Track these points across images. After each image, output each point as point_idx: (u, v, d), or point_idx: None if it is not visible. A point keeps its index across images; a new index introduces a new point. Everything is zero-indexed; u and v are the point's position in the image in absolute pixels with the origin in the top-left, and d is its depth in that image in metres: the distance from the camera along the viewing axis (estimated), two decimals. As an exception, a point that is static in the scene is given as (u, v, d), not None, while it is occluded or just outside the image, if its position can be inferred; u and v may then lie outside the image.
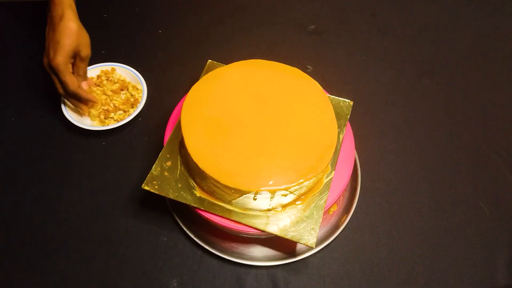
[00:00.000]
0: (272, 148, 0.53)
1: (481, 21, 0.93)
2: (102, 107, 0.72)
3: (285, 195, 0.53)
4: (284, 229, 0.53)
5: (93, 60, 0.77)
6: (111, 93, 0.74)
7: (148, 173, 0.56)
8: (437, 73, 0.84)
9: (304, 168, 0.52)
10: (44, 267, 0.60)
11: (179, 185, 0.55)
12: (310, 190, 0.56)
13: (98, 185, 0.67)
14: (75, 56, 0.65)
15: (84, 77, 0.69)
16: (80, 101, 0.69)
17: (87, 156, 0.70)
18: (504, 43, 0.90)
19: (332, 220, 0.64)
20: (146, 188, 0.55)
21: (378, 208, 0.67)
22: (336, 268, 0.62)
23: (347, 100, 0.65)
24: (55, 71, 0.63)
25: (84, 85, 0.69)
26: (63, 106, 0.70)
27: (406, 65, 0.85)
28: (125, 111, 0.73)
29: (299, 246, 0.62)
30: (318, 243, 0.61)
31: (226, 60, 0.65)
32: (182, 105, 0.58)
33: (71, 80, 0.64)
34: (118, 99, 0.74)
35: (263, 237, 0.62)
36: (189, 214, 0.62)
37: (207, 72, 0.66)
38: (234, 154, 0.53)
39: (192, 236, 0.61)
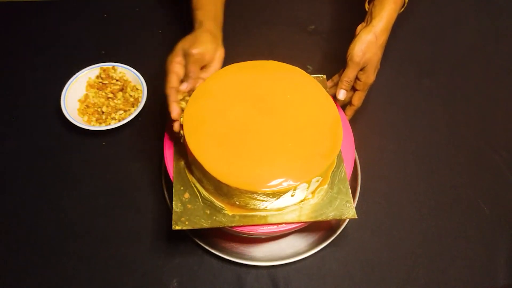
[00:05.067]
0: (290, 143, 0.53)
1: (481, 21, 0.93)
2: (97, 113, 0.72)
3: (318, 181, 0.53)
4: (323, 212, 0.54)
5: (93, 60, 0.77)
6: (112, 94, 0.74)
7: (172, 213, 0.53)
8: (437, 73, 0.84)
9: (326, 150, 0.53)
10: (44, 267, 0.60)
11: (208, 212, 0.54)
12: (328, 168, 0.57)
13: (98, 185, 0.67)
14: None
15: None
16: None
17: (87, 156, 0.70)
18: (504, 43, 0.89)
19: (332, 220, 0.64)
20: (177, 228, 0.52)
21: (378, 208, 0.67)
22: (336, 268, 0.62)
23: (320, 75, 0.67)
24: (187, 58, 0.59)
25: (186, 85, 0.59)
26: (63, 106, 0.70)
27: (406, 65, 0.85)
28: (125, 111, 0.73)
29: (301, 245, 0.62)
30: (318, 243, 0.62)
31: (226, 60, 0.64)
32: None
33: (168, 79, 0.57)
34: (118, 100, 0.74)
35: (265, 235, 0.62)
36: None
37: None
38: (257, 160, 0.52)
39: (192, 236, 0.61)
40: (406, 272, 0.61)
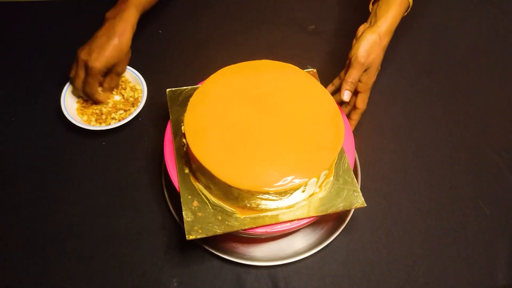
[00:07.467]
0: (294, 139, 0.53)
1: (481, 21, 0.93)
2: (97, 113, 0.72)
3: (325, 174, 0.54)
4: (332, 204, 0.54)
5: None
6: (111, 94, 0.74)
7: (184, 224, 0.52)
8: (437, 73, 0.84)
9: (331, 142, 0.53)
10: (44, 267, 0.60)
11: (220, 218, 0.53)
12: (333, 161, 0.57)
13: (98, 185, 0.67)
14: (111, 68, 0.70)
15: (111, 89, 0.73)
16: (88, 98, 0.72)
17: (87, 156, 0.70)
18: (504, 43, 0.89)
19: (332, 220, 0.64)
20: (191, 237, 0.51)
21: (378, 208, 0.67)
22: (336, 268, 0.62)
23: (311, 69, 0.67)
24: (87, 70, 0.67)
25: (103, 96, 0.72)
26: (63, 106, 0.70)
27: (406, 65, 0.85)
28: (125, 111, 0.73)
29: (301, 245, 0.62)
30: (318, 243, 0.62)
31: (226, 60, 0.65)
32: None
33: (94, 84, 0.69)
34: (117, 100, 0.74)
35: (278, 234, 0.62)
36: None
37: (171, 101, 0.63)
38: (265, 160, 0.52)
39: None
40: (406, 272, 0.61)
